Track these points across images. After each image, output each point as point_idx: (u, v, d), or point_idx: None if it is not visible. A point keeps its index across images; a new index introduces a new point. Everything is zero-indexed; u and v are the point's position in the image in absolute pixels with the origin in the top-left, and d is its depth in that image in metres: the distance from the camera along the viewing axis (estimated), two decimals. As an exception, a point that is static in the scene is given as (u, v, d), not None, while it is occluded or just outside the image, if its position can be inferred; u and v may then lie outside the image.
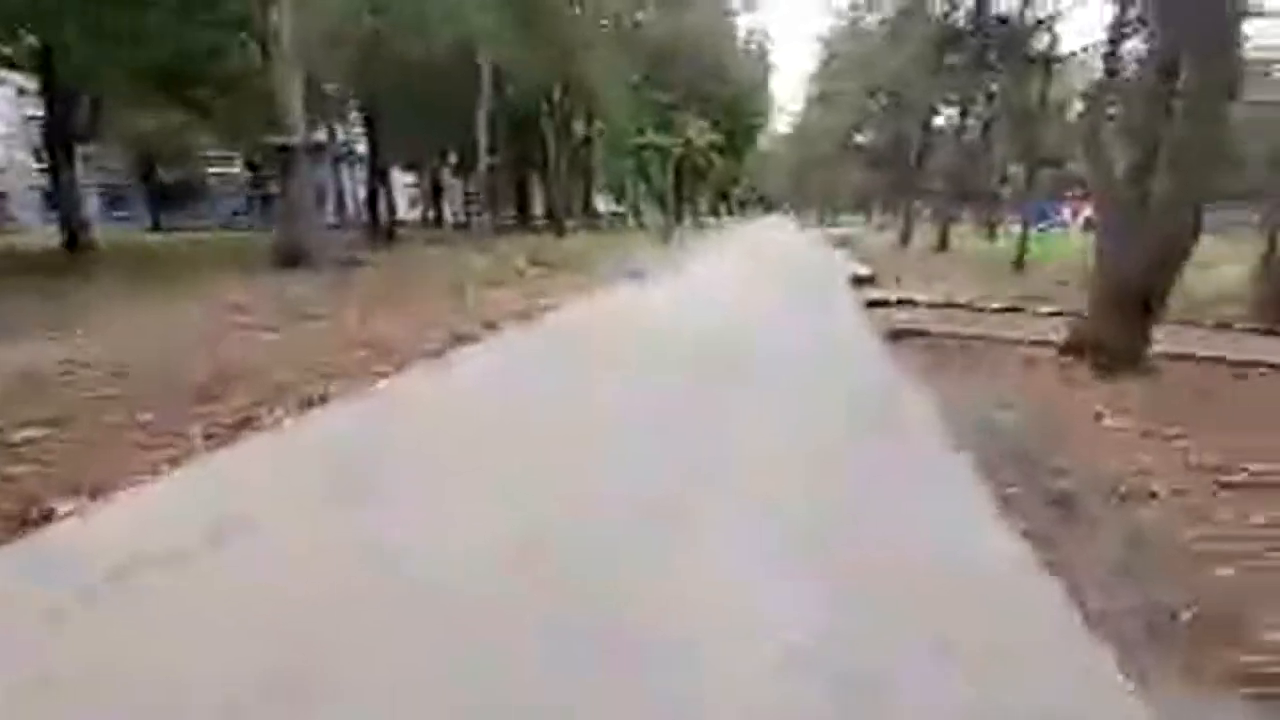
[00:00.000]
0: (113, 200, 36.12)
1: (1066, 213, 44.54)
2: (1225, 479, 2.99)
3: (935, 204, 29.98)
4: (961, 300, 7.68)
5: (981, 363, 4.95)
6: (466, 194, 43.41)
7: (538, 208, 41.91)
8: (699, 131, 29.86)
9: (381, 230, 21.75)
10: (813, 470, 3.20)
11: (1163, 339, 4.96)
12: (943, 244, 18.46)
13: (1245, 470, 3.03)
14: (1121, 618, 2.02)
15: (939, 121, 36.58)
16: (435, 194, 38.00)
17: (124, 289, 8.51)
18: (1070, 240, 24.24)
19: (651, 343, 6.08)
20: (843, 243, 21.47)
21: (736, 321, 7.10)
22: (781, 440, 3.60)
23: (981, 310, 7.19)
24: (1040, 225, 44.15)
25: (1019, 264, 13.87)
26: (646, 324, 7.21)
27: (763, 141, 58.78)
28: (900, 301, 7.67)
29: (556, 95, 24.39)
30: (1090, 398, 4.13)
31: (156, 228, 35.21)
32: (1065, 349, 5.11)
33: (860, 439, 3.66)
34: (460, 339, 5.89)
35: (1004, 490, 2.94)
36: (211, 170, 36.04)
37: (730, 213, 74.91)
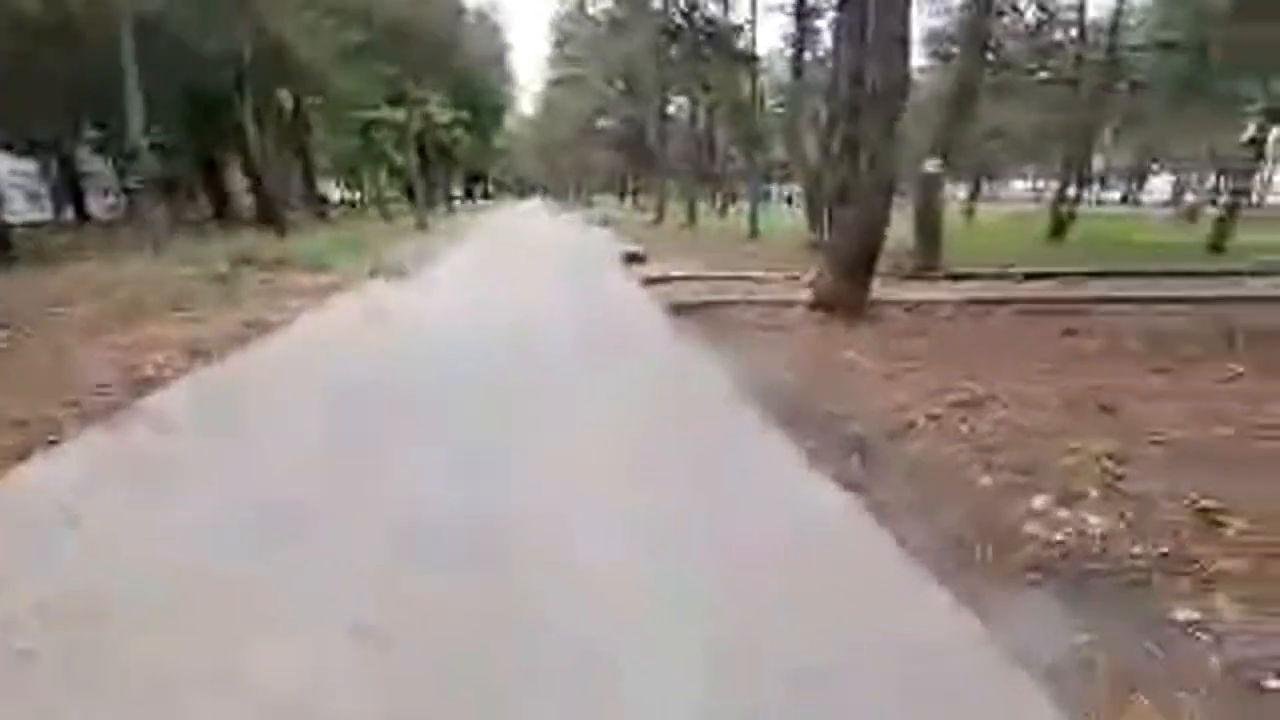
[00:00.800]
0: None
1: (775, 191, 53.90)
2: (952, 399, 3.64)
3: (681, 184, 33.18)
4: (726, 273, 8.38)
5: (756, 327, 5.37)
6: (123, 184, 33.19)
7: (244, 200, 34.29)
8: (439, 106, 27.53)
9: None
10: (633, 450, 3.18)
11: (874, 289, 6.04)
12: (691, 220, 20.39)
13: (964, 389, 3.74)
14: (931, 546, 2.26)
15: (672, 109, 40.36)
16: (73, 185, 28.10)
17: None
18: (784, 215, 29.06)
19: (430, 349, 5.20)
20: (604, 223, 22.18)
21: (520, 311, 6.58)
22: (591, 423, 3.45)
23: (745, 279, 7.95)
24: (766, 203, 52.64)
25: (753, 234, 16.04)
26: (418, 327, 6.19)
27: (510, 123, 57.50)
28: (674, 277, 8.02)
29: (248, 58, 19.75)
30: (841, 347, 4.75)
31: None
32: (814, 305, 5.87)
33: (667, 413, 3.66)
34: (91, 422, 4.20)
35: (806, 444, 3.14)
36: None
37: (487, 197, 72.16)
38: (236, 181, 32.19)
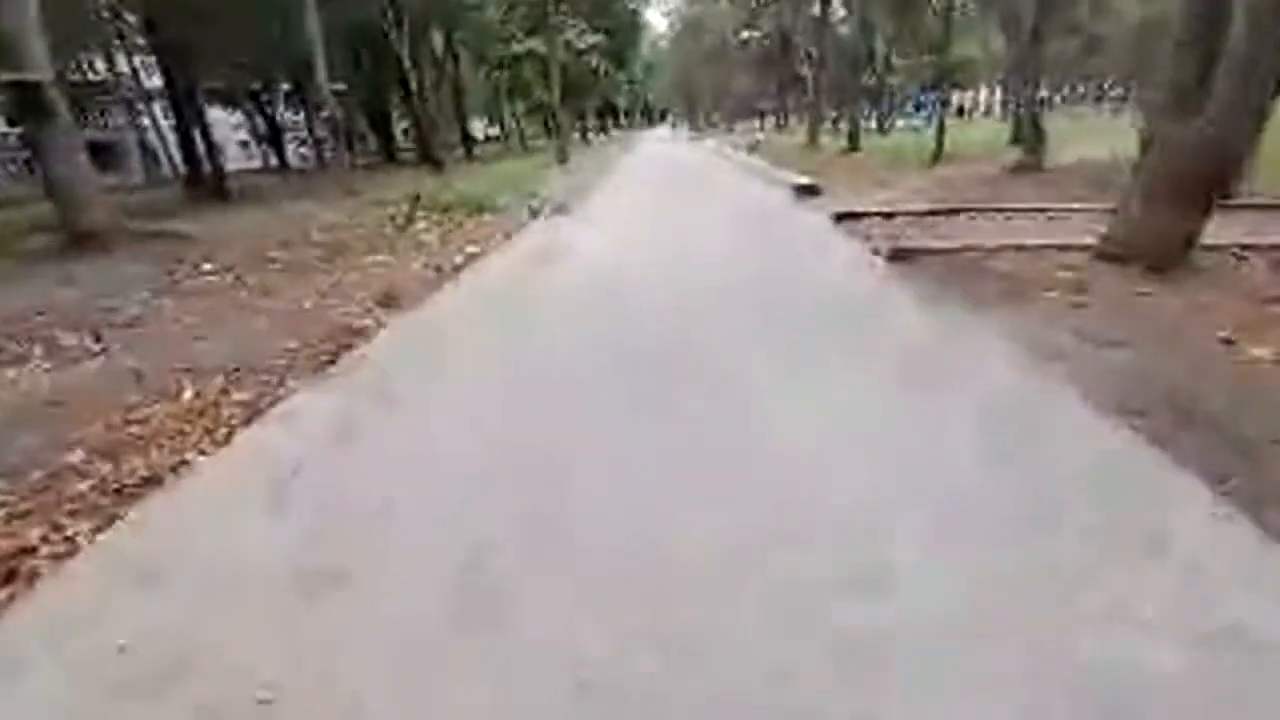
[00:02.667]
0: None
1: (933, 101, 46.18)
2: None
3: (834, 102, 29.44)
4: (931, 205, 6.87)
5: (1030, 284, 4.09)
6: (311, 133, 37.01)
7: (404, 141, 36.73)
8: (578, 34, 26.57)
9: (207, 185, 17.52)
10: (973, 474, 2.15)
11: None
12: (852, 143, 17.82)
13: None
14: None
15: (813, 11, 35.41)
16: (273, 135, 31.80)
17: None
18: (968, 130, 24.68)
19: (634, 302, 4.67)
20: (752, 149, 20.28)
21: (699, 258, 5.81)
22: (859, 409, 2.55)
23: (961, 212, 6.41)
24: (922, 116, 45.59)
25: (938, 156, 13.51)
26: (597, 273, 5.71)
27: (643, 49, 54.86)
28: (870, 213, 6.70)
29: (401, -1, 20.22)
30: (1206, 326, 3.31)
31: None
32: (1104, 253, 4.39)
33: (999, 458, 2.51)
34: (341, 345, 4.17)
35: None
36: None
37: (617, 126, 70.87)
38: (398, 126, 34.50)
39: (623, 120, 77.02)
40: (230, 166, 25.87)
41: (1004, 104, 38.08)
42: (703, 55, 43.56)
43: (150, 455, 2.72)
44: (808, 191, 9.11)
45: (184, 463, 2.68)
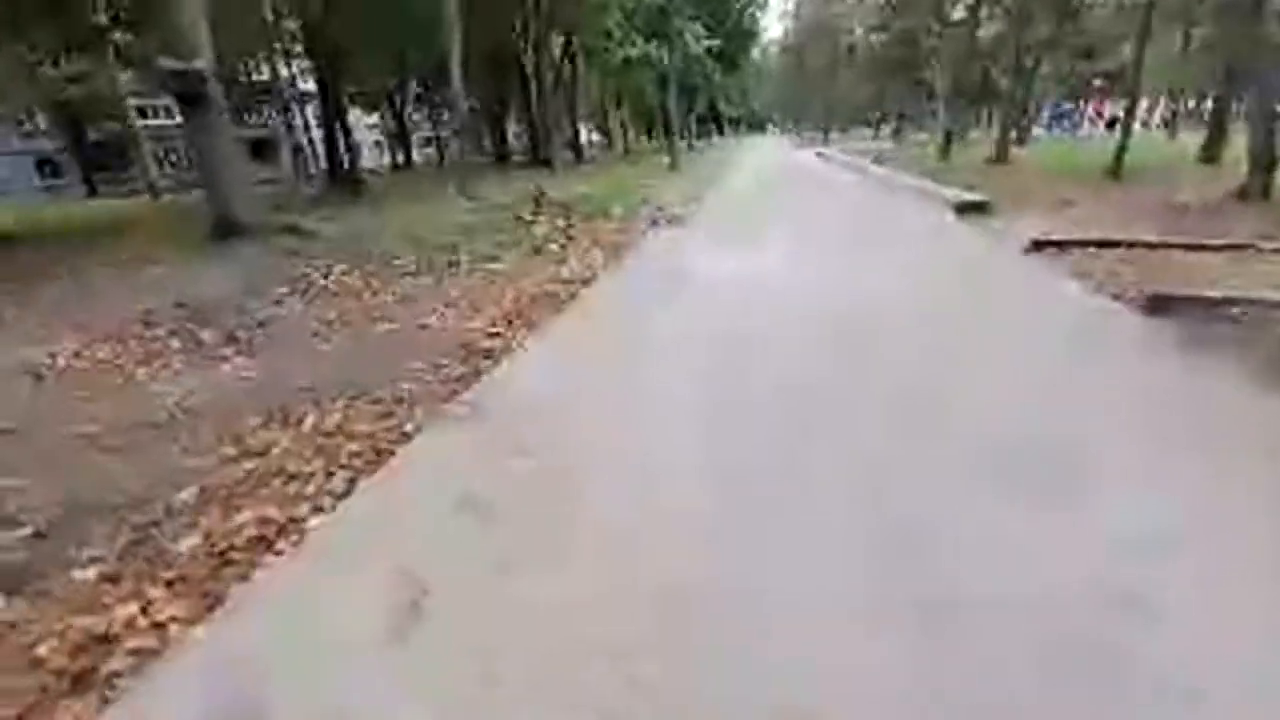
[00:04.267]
0: (42, 167, 32.20)
1: (1090, 111, 40.99)
2: None
3: (954, 110, 26.79)
4: (1157, 237, 5.46)
5: None
6: (436, 134, 39.23)
7: (513, 142, 37.97)
8: (695, 38, 25.98)
9: (344, 180, 18.70)
10: None
11: None
12: (1000, 153, 15.81)
13: None
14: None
15: (956, 14, 32.62)
16: (402, 134, 33.96)
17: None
18: (1153, 143, 21.64)
19: (798, 367, 3.89)
20: (879, 159, 18.66)
21: (873, 292, 4.90)
22: None
23: (1205, 249, 4.99)
24: (1061, 128, 40.83)
25: (1115, 173, 11.47)
26: (750, 307, 4.96)
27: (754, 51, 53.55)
28: (1076, 241, 5.42)
29: (529, 3, 20.63)
30: None
31: (93, 193, 31.57)
32: None
33: None
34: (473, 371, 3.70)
35: None
36: (144, 122, 31.72)
37: (720, 133, 69.77)
38: (509, 127, 35.73)
39: (726, 128, 75.81)
40: (363, 164, 27.86)
41: (1173, 115, 33.08)
42: (818, 60, 41.65)
43: (262, 505, 2.30)
44: (975, 209, 7.82)
45: (296, 520, 2.22)
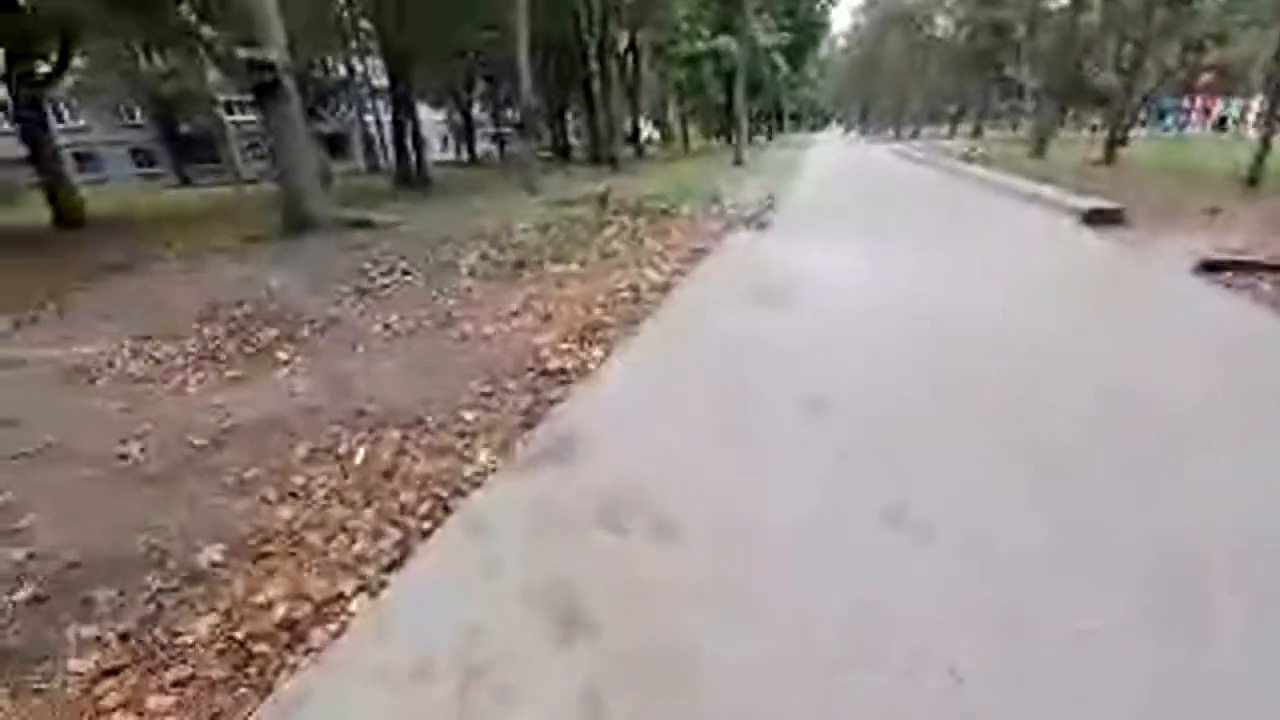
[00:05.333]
0: (137, 156, 34.59)
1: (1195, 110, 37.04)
2: None
3: (1046, 107, 24.55)
4: None
5: None
6: (499, 129, 39.68)
7: (572, 137, 37.87)
8: (765, 31, 25.01)
9: (413, 174, 18.92)
10: None
11: None
12: (1109, 152, 14.20)
13: None
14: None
15: (1055, 3, 30.10)
16: (467, 130, 34.47)
17: None
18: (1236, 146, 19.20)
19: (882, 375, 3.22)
20: (969, 158, 17.21)
21: (1005, 318, 4.14)
22: None
23: None
24: (1162, 126, 37.13)
25: (1252, 180, 9.90)
26: (862, 332, 4.30)
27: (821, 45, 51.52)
28: (1263, 266, 4.42)
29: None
30: None
31: (185, 182, 33.63)
32: None
33: None
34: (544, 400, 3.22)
35: None
36: (230, 118, 33.50)
37: (781, 129, 67.72)
38: (569, 123, 35.68)
39: (787, 123, 73.52)
40: (431, 158, 28.39)
41: (1271, 114, 29.23)
42: (892, 53, 39.56)
43: (297, 573, 1.87)
44: (1105, 218, 6.77)
45: (335, 600, 1.78)
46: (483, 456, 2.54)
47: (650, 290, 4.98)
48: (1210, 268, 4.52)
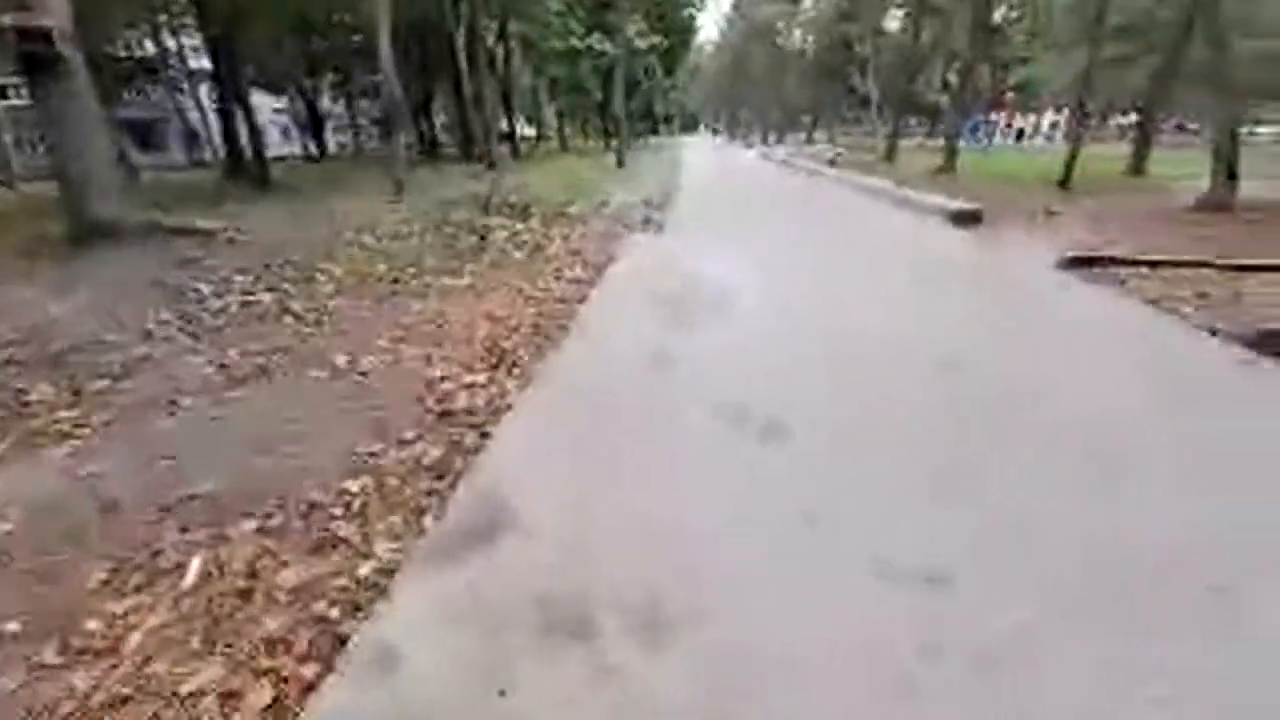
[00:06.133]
0: None
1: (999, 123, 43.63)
2: None
3: (889, 119, 27.48)
4: (1183, 255, 5.11)
5: None
6: (354, 121, 36.05)
7: (440, 135, 35.50)
8: (640, 33, 25.16)
9: (248, 171, 16.36)
10: None
11: None
12: (949, 164, 16.00)
13: None
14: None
15: (891, 24, 33.70)
16: (314, 122, 30.85)
17: None
18: (1039, 156, 22.79)
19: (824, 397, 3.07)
20: (833, 163, 18.54)
21: (906, 312, 4.21)
22: None
23: (1251, 269, 4.66)
24: (975, 139, 43.28)
25: (1064, 183, 11.66)
26: (784, 332, 4.12)
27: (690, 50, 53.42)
28: (1117, 259, 4.98)
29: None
30: None
31: None
32: None
33: None
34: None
35: None
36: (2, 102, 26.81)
37: (655, 132, 69.29)
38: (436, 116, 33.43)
39: (660, 126, 75.49)
40: (270, 152, 24.95)
41: (1076, 128, 35.64)
42: (757, 62, 42.02)
43: None
44: (968, 219, 7.42)
45: None
46: (381, 548, 1.92)
47: (558, 303, 4.47)
48: (1074, 262, 5.01)
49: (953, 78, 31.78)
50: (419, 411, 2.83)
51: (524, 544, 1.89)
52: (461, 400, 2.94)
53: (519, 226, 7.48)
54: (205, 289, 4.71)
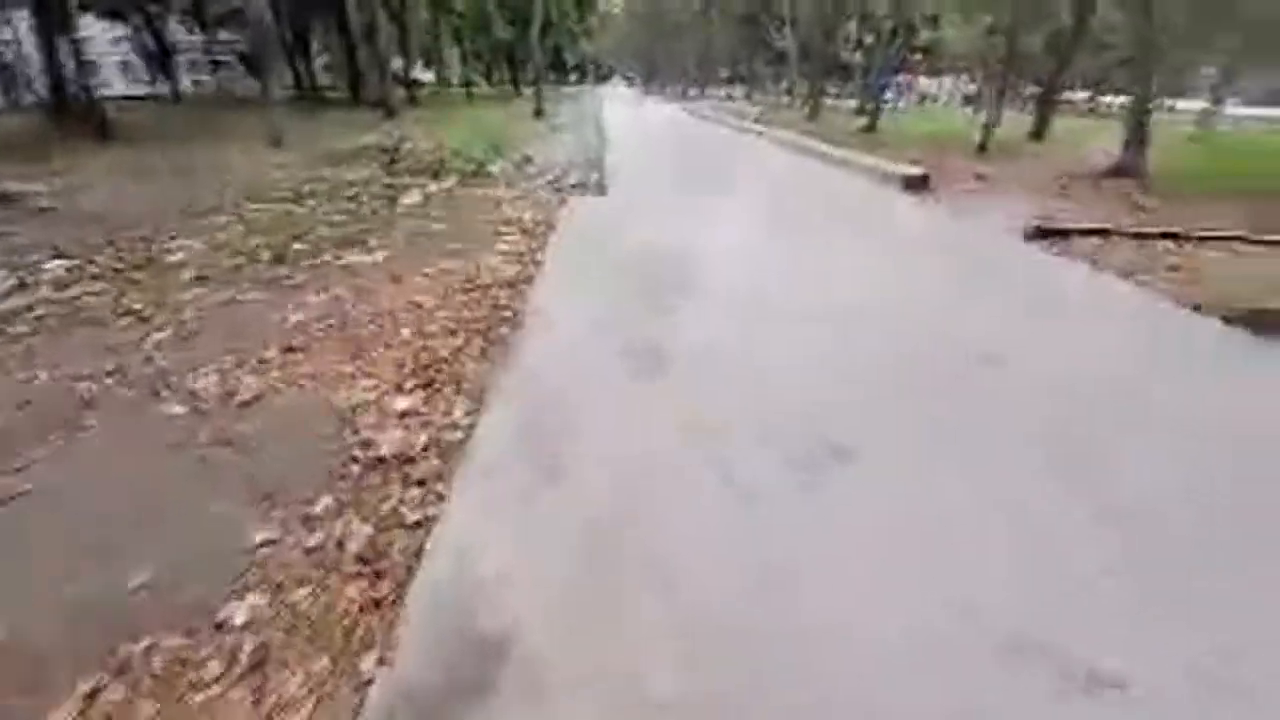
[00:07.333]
0: None
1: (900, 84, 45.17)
2: None
3: (810, 76, 27.40)
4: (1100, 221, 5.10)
5: None
6: (213, 58, 30.87)
7: (318, 76, 31.30)
8: (549, -32, 23.01)
9: (78, 114, 13.32)
10: None
11: None
12: (872, 125, 16.03)
13: None
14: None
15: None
16: (163, 56, 26.02)
17: None
18: (950, 117, 23.65)
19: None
20: (759, 120, 18.08)
21: (876, 286, 3.82)
22: None
23: (1203, 240, 4.68)
24: (885, 100, 44.68)
25: (983, 147, 11.91)
26: (781, 323, 3.56)
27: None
28: (1079, 230, 4.86)
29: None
30: None
31: None
32: None
33: None
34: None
35: None
36: None
37: (566, 81, 65.69)
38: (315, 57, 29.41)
39: (570, 76, 71.66)
40: (109, 91, 20.76)
41: (977, 94, 37.39)
42: (675, 11, 40.37)
43: None
44: (918, 184, 7.19)
45: None
46: (293, 738, 1.19)
47: (501, 287, 3.66)
48: (1042, 233, 4.85)
49: (869, 38, 32.21)
50: (331, 463, 2.03)
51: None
52: (392, 439, 2.16)
53: (434, 188, 6.37)
54: (6, 286, 3.43)
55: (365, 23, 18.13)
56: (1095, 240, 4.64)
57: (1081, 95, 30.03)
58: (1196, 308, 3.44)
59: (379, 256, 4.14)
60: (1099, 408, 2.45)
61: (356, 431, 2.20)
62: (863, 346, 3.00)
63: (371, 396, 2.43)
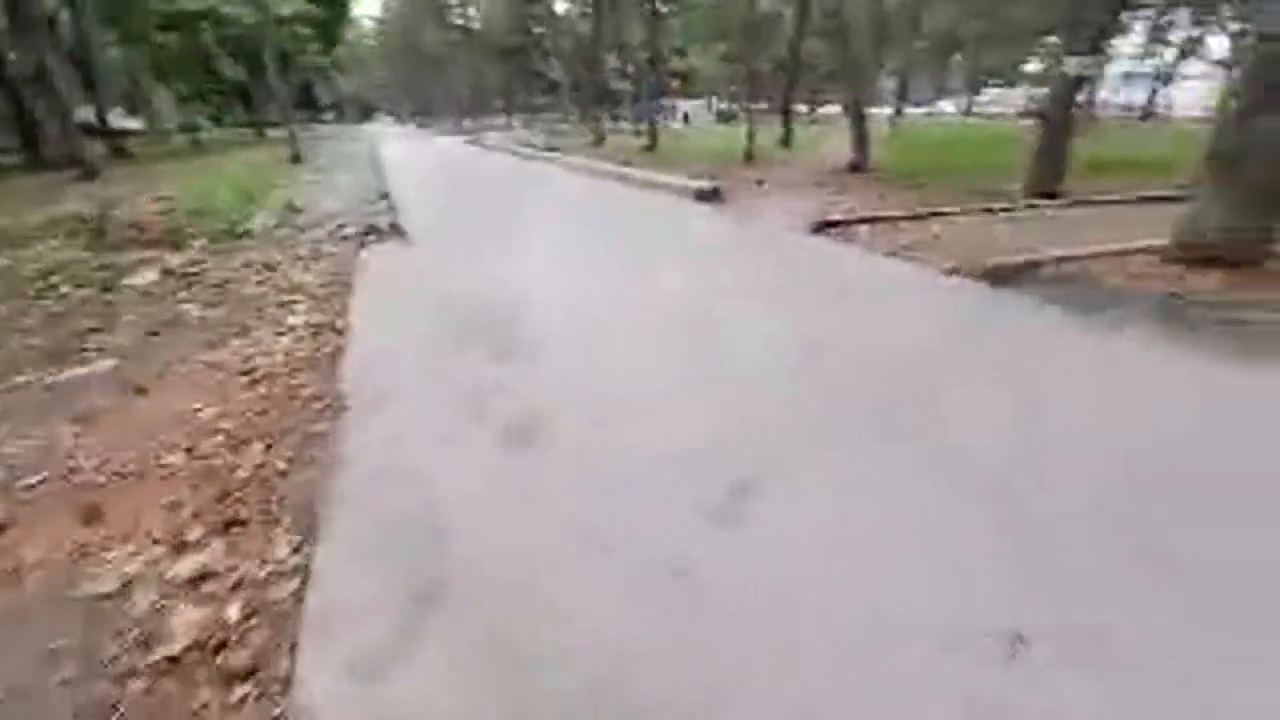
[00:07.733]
0: None
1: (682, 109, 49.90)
2: None
3: (583, 104, 28.68)
4: (904, 210, 6.17)
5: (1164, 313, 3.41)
6: None
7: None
8: (283, -1, 20.59)
9: None
10: None
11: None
12: (653, 145, 17.26)
13: None
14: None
15: (559, 7, 34.72)
16: None
17: None
18: (711, 136, 26.46)
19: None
20: (552, 148, 18.21)
21: (715, 296, 4.01)
22: None
23: (927, 218, 5.82)
24: (650, 121, 48.70)
25: (749, 156, 13.51)
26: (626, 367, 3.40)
27: (352, 37, 46.98)
28: (848, 221, 5.69)
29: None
30: None
31: None
32: (1181, 257, 4.07)
33: None
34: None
35: None
36: None
37: (320, 121, 59.57)
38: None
39: (324, 115, 65.22)
40: None
41: (728, 112, 42.57)
42: (433, 43, 39.15)
43: None
44: (711, 196, 7.83)
45: None
46: None
47: (301, 372, 2.98)
48: (823, 226, 5.58)
49: (630, 68, 34.79)
50: (95, 689, 1.37)
51: None
52: (187, 622, 1.55)
53: (175, 260, 5.11)
54: None
55: (35, 61, 14.22)
56: (866, 227, 5.50)
57: (803, 107, 36.28)
58: (954, 271, 4.21)
59: (106, 364, 3.11)
60: (911, 367, 2.80)
61: (121, 633, 1.53)
62: (698, 350, 3.06)
63: (137, 567, 1.74)
